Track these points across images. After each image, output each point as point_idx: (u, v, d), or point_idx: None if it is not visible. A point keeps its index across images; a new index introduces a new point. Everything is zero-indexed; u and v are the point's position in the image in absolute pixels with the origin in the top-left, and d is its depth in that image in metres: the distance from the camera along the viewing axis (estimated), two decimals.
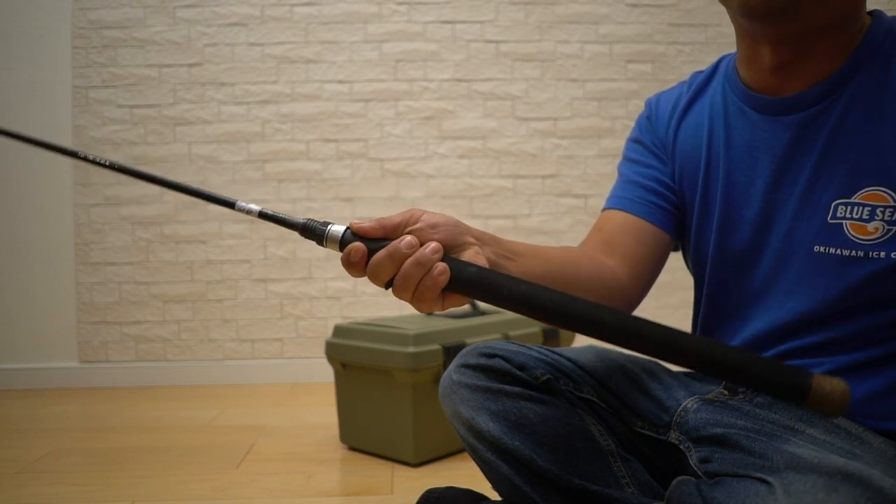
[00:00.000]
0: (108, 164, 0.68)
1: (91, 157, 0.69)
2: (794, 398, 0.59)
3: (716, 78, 0.87)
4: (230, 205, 0.66)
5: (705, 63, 0.91)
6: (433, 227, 0.64)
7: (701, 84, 0.88)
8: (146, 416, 1.88)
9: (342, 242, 0.64)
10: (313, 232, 0.65)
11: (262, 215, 0.66)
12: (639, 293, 0.87)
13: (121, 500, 1.23)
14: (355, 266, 0.64)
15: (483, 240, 0.69)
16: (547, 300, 0.62)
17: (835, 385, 0.59)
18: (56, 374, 2.30)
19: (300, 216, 2.54)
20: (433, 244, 0.63)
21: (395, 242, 0.63)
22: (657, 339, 0.61)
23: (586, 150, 2.39)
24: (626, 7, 2.39)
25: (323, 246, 0.65)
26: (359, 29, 2.35)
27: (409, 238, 0.63)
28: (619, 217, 0.88)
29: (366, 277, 0.64)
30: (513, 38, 2.38)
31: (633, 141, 0.94)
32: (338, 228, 0.65)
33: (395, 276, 0.63)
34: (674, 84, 0.95)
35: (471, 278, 0.63)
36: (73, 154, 0.69)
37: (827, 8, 0.69)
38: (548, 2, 2.38)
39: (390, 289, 0.64)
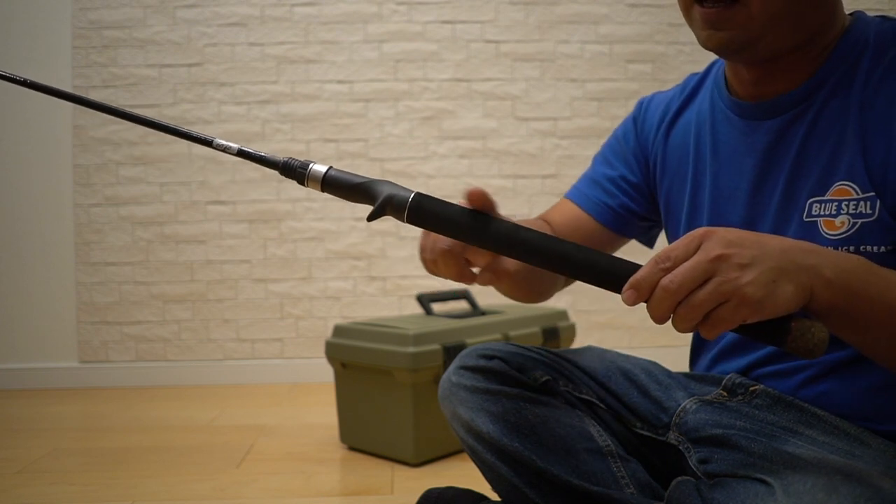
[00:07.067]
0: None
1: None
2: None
3: (706, 83, 0.89)
4: (208, 142, 0.67)
5: (705, 63, 0.91)
6: None
7: (692, 89, 0.90)
8: (146, 416, 1.88)
9: (324, 182, 0.65)
10: (294, 171, 0.66)
11: (241, 153, 0.67)
12: (564, 281, 0.94)
13: (121, 500, 1.23)
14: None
15: None
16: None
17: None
18: (56, 374, 2.31)
19: (301, 215, 2.51)
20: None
21: None
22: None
23: (586, 150, 2.39)
24: (626, 7, 2.39)
25: (304, 185, 0.66)
26: (359, 29, 2.35)
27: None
28: (571, 209, 0.96)
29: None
30: (513, 38, 2.38)
31: (615, 138, 0.98)
32: (319, 168, 0.66)
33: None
34: (674, 83, 0.96)
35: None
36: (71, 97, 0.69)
37: (785, 40, 0.71)
38: (548, 2, 2.38)
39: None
